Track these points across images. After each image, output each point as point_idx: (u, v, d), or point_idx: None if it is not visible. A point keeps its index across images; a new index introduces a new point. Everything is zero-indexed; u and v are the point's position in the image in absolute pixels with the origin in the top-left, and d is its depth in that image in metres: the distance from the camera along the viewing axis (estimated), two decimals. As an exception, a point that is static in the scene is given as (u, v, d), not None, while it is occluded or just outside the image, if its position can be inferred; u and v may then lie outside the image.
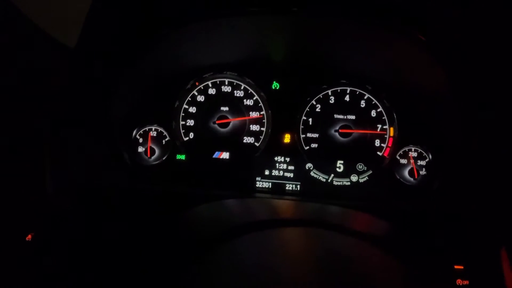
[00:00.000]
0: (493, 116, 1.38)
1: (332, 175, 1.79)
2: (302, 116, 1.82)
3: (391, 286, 0.74)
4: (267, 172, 1.81)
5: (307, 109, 1.82)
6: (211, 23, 1.51)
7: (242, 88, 1.86)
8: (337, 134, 1.79)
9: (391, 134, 1.78)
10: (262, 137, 1.84)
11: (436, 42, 1.38)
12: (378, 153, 1.79)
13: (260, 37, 1.65)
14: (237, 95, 1.85)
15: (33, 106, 1.30)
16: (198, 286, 0.68)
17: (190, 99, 1.85)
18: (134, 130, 1.82)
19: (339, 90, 1.82)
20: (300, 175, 1.80)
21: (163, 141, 1.83)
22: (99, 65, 1.47)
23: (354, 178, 1.78)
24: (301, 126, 1.82)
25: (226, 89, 1.86)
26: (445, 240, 1.32)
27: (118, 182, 1.73)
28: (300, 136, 1.82)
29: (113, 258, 0.92)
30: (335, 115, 1.81)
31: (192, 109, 1.85)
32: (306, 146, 1.82)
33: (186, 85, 1.84)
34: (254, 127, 1.84)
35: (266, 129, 1.84)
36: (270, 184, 1.81)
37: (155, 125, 1.83)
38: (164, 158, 1.82)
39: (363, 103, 1.81)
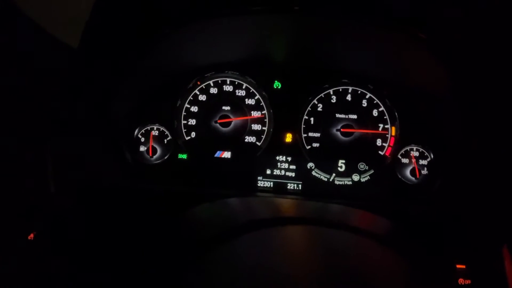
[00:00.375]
0: (494, 116, 1.38)
1: (334, 174, 1.79)
2: (303, 116, 1.82)
3: (393, 285, 0.74)
4: (268, 172, 1.81)
5: (309, 108, 1.82)
6: (212, 22, 1.51)
7: (243, 87, 1.86)
8: (338, 133, 1.80)
9: (393, 134, 1.78)
10: (263, 137, 1.84)
11: (436, 41, 1.38)
12: (380, 152, 1.79)
13: (262, 36, 1.65)
14: (239, 94, 1.85)
15: (35, 105, 1.30)
16: (200, 285, 0.68)
17: (191, 98, 1.85)
18: (136, 129, 1.82)
19: (340, 90, 1.82)
20: (302, 174, 1.80)
21: (165, 140, 1.84)
22: (101, 65, 1.48)
23: (355, 177, 1.78)
24: (303, 126, 1.82)
25: (228, 88, 1.86)
26: (447, 239, 1.32)
27: (120, 181, 1.74)
28: (301, 136, 1.82)
29: (114, 257, 0.92)
30: (336, 114, 1.81)
31: (194, 108, 1.85)
32: (307, 146, 1.82)
33: (188, 84, 1.84)
34: (256, 127, 1.84)
35: (267, 128, 1.84)
36: (271, 183, 1.81)
37: (157, 124, 1.83)
38: (166, 157, 1.83)
39: (364, 103, 1.81)
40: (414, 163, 1.75)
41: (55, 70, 1.32)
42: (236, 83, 1.86)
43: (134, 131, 1.82)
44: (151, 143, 1.82)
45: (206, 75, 1.85)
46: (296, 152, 1.81)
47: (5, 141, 1.23)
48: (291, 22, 1.55)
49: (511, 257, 1.18)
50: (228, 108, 1.84)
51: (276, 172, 1.81)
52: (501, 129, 1.38)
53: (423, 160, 1.75)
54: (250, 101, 1.85)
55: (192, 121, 1.85)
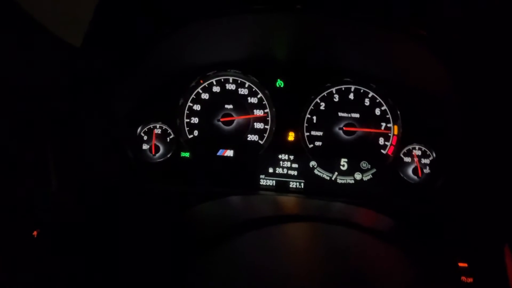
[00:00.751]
0: (495, 114, 1.38)
1: (336, 173, 1.79)
2: (306, 114, 1.82)
3: (395, 284, 0.75)
4: (271, 170, 1.82)
5: (311, 107, 1.82)
6: (215, 21, 1.51)
7: (246, 86, 1.86)
8: (341, 132, 1.80)
9: (395, 132, 1.78)
10: (266, 135, 1.84)
11: (437, 40, 1.38)
12: (382, 151, 1.79)
13: (264, 35, 1.65)
14: (241, 93, 1.86)
15: (38, 104, 1.31)
16: (202, 284, 0.68)
17: (194, 96, 1.85)
18: (138, 127, 1.83)
19: (343, 88, 1.82)
20: (304, 173, 1.80)
21: (168, 138, 1.84)
22: (103, 64, 1.48)
23: (358, 176, 1.78)
24: (305, 124, 1.82)
25: (230, 87, 1.86)
26: (449, 237, 1.32)
27: (122, 180, 1.74)
28: (304, 134, 1.82)
29: (117, 255, 0.93)
30: (339, 113, 1.81)
31: (197, 107, 1.85)
32: (310, 144, 1.82)
33: (190, 83, 1.85)
34: (258, 125, 1.85)
35: (270, 127, 1.84)
36: (274, 181, 1.81)
37: (160, 122, 1.84)
38: (168, 156, 1.83)
39: (367, 101, 1.81)
40: (417, 162, 1.75)
41: (57, 69, 1.33)
42: (239, 81, 1.86)
43: (137, 129, 1.83)
44: (154, 141, 1.83)
45: (208, 74, 1.85)
46: (299, 151, 1.81)
47: (6, 140, 1.23)
48: (293, 21, 1.55)
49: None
50: (230, 106, 1.84)
51: (279, 170, 1.81)
52: (502, 128, 1.38)
53: (426, 159, 1.75)
54: (253, 100, 1.85)
55: (195, 120, 1.85)
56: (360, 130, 1.79)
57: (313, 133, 1.82)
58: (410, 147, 1.77)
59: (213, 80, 1.86)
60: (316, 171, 1.80)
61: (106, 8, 1.23)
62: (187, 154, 1.83)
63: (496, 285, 1.22)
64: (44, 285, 0.95)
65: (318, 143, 1.82)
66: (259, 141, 1.84)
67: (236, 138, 1.84)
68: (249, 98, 1.85)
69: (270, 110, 1.84)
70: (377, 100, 1.80)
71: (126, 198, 1.54)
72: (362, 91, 1.81)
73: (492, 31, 1.23)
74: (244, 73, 1.85)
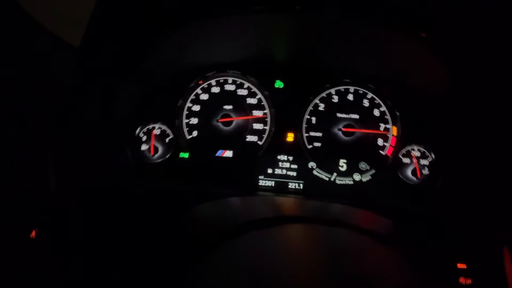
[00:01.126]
0: (494, 115, 1.38)
1: (335, 174, 1.79)
2: (305, 115, 1.82)
3: (394, 285, 0.75)
4: (270, 171, 1.82)
5: (310, 108, 1.82)
6: (214, 22, 1.51)
7: (245, 86, 1.86)
8: (340, 133, 1.80)
9: (394, 133, 1.78)
10: (265, 136, 1.84)
11: (437, 40, 1.38)
12: (381, 152, 1.79)
13: (263, 36, 1.65)
14: (241, 93, 1.86)
15: (36, 104, 1.31)
16: (202, 284, 0.68)
17: (193, 97, 1.85)
18: (137, 128, 1.83)
19: (342, 89, 1.83)
20: (303, 174, 1.80)
21: (167, 139, 1.84)
22: (103, 64, 1.48)
23: (357, 177, 1.78)
24: (304, 125, 1.82)
25: (230, 87, 1.86)
26: (447, 239, 1.32)
27: (121, 180, 1.74)
28: (303, 135, 1.82)
29: (116, 257, 0.93)
30: (338, 114, 1.81)
31: (196, 108, 1.85)
32: (309, 145, 1.82)
33: (189, 84, 1.85)
34: (257, 126, 1.85)
35: (269, 127, 1.84)
36: (272, 182, 1.81)
37: (159, 123, 1.84)
38: (167, 156, 1.83)
39: (366, 102, 1.81)
40: (415, 163, 1.75)
41: (57, 69, 1.32)
42: (238, 82, 1.86)
43: (136, 130, 1.82)
44: (153, 142, 1.82)
45: (208, 74, 1.85)
46: (298, 152, 1.81)
47: (6, 140, 1.23)
48: (293, 22, 1.55)
49: (512, 256, 1.19)
50: (229, 107, 1.84)
51: (278, 171, 1.81)
52: (501, 128, 1.38)
53: (424, 160, 1.75)
54: (252, 101, 1.85)
55: (194, 120, 1.85)
56: (359, 131, 1.79)
57: (312, 134, 1.82)
58: (409, 148, 1.77)
59: (212, 81, 1.86)
60: (315, 172, 1.80)
61: (106, 8, 1.23)
62: (186, 155, 1.83)
63: (495, 286, 1.22)
64: (44, 285, 0.95)
65: (317, 144, 1.82)
66: (258, 141, 1.84)
67: (235, 139, 1.84)
68: (248, 98, 1.85)
69: (269, 110, 1.84)
70: (376, 101, 1.81)
71: (125, 198, 1.54)
72: (361, 92, 1.82)
73: (492, 32, 1.24)
74: (243, 74, 1.85)
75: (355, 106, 1.81)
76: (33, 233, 1.22)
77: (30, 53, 1.21)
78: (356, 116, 1.80)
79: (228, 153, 1.83)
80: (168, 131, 1.84)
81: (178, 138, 1.83)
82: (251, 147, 1.84)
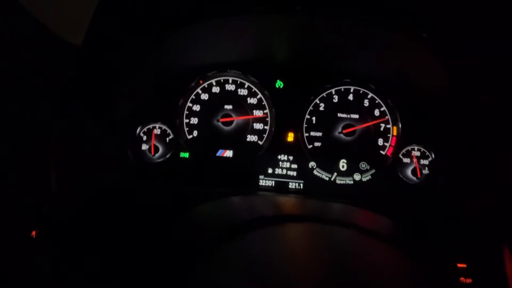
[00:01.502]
0: (495, 116, 1.38)
1: (335, 173, 1.79)
2: (305, 115, 1.83)
3: (394, 284, 0.75)
4: (270, 171, 1.82)
5: (311, 108, 1.83)
6: (215, 22, 1.51)
7: (246, 86, 1.86)
8: (340, 133, 1.80)
9: (394, 133, 1.79)
10: (265, 136, 1.84)
11: (438, 41, 1.38)
12: (381, 152, 1.79)
13: (264, 36, 1.65)
14: (241, 93, 1.86)
15: (37, 104, 1.31)
16: (204, 283, 0.69)
17: (194, 97, 1.86)
18: (138, 127, 1.83)
19: (342, 89, 1.83)
20: (303, 173, 1.80)
21: (167, 139, 1.84)
22: (104, 63, 1.48)
23: (357, 177, 1.78)
24: (305, 125, 1.83)
25: (230, 87, 1.86)
26: (448, 238, 1.32)
27: (122, 180, 1.74)
28: (303, 135, 1.82)
29: (117, 256, 0.93)
30: (338, 114, 1.82)
31: (196, 107, 1.86)
32: (309, 145, 1.82)
33: (190, 83, 1.85)
34: (258, 126, 1.85)
35: (269, 127, 1.84)
36: (273, 182, 1.81)
37: (159, 123, 1.84)
38: (168, 156, 1.83)
39: (366, 102, 1.82)
40: (415, 162, 1.75)
41: (58, 68, 1.33)
42: (238, 82, 1.86)
43: (136, 130, 1.82)
44: (153, 141, 1.83)
45: (208, 74, 1.85)
46: (298, 151, 1.81)
47: (6, 140, 1.23)
48: (293, 22, 1.55)
49: (512, 256, 1.19)
50: (230, 107, 1.84)
51: (278, 171, 1.81)
52: (501, 129, 1.38)
53: (424, 160, 1.76)
54: (252, 100, 1.86)
55: (194, 120, 1.85)
56: (359, 130, 1.79)
57: (312, 133, 1.82)
58: (409, 148, 1.77)
59: (213, 81, 1.86)
60: (315, 172, 1.80)
61: (107, 8, 1.23)
62: (186, 155, 1.84)
63: (495, 286, 1.22)
64: (44, 284, 0.95)
65: (317, 144, 1.82)
66: (259, 141, 1.84)
67: (235, 139, 1.84)
68: (248, 98, 1.86)
69: (269, 110, 1.85)
70: (377, 101, 1.81)
71: (125, 198, 1.54)
72: (361, 92, 1.82)
73: (492, 32, 1.24)
74: (243, 74, 1.86)
75: (356, 106, 1.81)
76: (34, 233, 1.22)
77: (30, 52, 1.21)
78: (356, 116, 1.81)
79: (229, 153, 1.83)
80: (169, 131, 1.84)
81: (179, 138, 1.84)
82: (251, 147, 1.84)
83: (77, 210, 1.38)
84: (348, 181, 1.79)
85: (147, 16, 1.43)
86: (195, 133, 1.85)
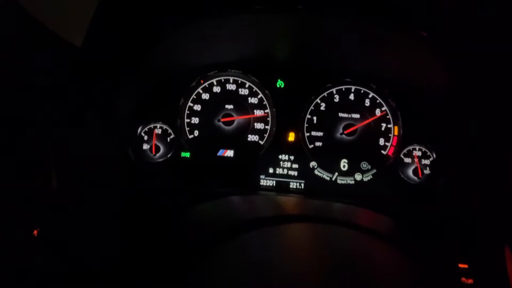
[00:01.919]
0: (496, 115, 1.38)
1: (336, 173, 1.79)
2: (306, 115, 1.82)
3: (395, 284, 0.74)
4: (271, 170, 1.82)
5: (312, 107, 1.82)
6: (216, 21, 1.51)
7: (246, 86, 1.86)
8: (341, 132, 1.79)
9: (396, 133, 1.78)
10: (266, 135, 1.84)
11: (439, 41, 1.38)
12: (383, 152, 1.79)
13: (265, 35, 1.65)
14: (242, 93, 1.86)
15: (38, 104, 1.31)
16: (204, 283, 0.68)
17: (195, 97, 1.86)
18: (139, 127, 1.83)
19: (343, 89, 1.83)
20: (304, 173, 1.80)
21: (168, 138, 1.84)
22: (104, 63, 1.48)
23: (358, 177, 1.78)
24: (306, 125, 1.82)
25: (231, 87, 1.86)
26: (449, 238, 1.32)
27: (123, 179, 1.74)
28: (304, 135, 1.82)
29: (117, 255, 0.93)
30: (339, 113, 1.81)
31: (197, 107, 1.86)
32: (310, 145, 1.82)
33: (191, 83, 1.85)
34: (259, 125, 1.85)
35: (270, 127, 1.84)
36: (274, 182, 1.81)
37: (160, 122, 1.84)
38: (169, 156, 1.83)
39: (367, 102, 1.81)
40: (417, 162, 1.75)
41: (58, 68, 1.33)
42: (239, 82, 1.86)
43: (137, 129, 1.83)
44: (154, 141, 1.83)
45: (209, 74, 1.85)
46: (299, 151, 1.81)
47: (6, 140, 1.23)
48: (294, 21, 1.55)
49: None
50: (231, 107, 1.84)
51: (279, 171, 1.81)
52: (502, 129, 1.37)
53: (426, 160, 1.75)
54: (253, 100, 1.85)
55: (195, 120, 1.85)
56: (360, 131, 1.78)
57: (313, 133, 1.82)
58: (411, 147, 1.77)
59: (214, 80, 1.86)
60: (316, 172, 1.80)
61: (108, 7, 1.23)
62: (187, 154, 1.84)
63: (497, 287, 1.21)
64: (44, 284, 0.95)
65: (318, 144, 1.82)
66: (260, 141, 1.84)
67: (236, 139, 1.84)
68: (249, 98, 1.85)
69: (270, 110, 1.84)
70: (378, 101, 1.80)
71: (126, 197, 1.54)
72: (362, 91, 1.81)
73: (492, 32, 1.23)
74: (244, 73, 1.85)
75: (357, 105, 1.81)
76: (35, 232, 1.22)
77: (30, 52, 1.21)
78: (357, 116, 1.80)
79: (229, 153, 1.83)
80: (170, 130, 1.84)
81: (180, 137, 1.84)
82: (252, 147, 1.84)
83: (77, 209, 1.38)
84: (349, 181, 1.78)
85: (147, 16, 1.43)
86: (196, 132, 1.85)
